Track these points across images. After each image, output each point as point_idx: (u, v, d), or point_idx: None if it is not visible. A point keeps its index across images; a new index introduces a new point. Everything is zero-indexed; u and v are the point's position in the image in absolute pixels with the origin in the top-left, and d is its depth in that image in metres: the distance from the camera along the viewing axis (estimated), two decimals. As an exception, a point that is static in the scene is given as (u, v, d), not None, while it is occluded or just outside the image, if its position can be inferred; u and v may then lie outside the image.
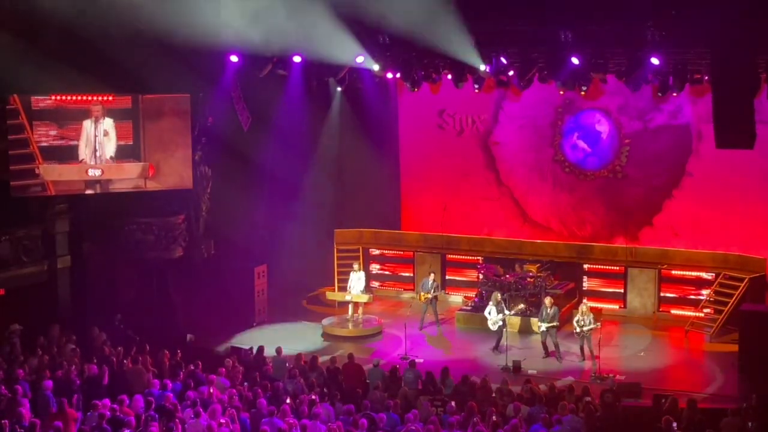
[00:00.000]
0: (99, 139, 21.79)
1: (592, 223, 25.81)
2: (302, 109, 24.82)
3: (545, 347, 21.20)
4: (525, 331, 22.76)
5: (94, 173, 21.93)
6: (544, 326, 21.12)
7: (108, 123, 21.80)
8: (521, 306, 22.27)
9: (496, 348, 21.26)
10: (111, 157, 21.97)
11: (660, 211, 24.96)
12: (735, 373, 19.87)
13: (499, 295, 21.89)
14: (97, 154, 21.81)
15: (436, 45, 20.83)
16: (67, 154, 21.56)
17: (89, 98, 21.62)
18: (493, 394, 17.26)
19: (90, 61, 20.42)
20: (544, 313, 21.27)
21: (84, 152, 21.71)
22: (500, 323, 21.25)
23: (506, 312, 21.38)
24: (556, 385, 17.68)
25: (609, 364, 20.21)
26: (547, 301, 21.41)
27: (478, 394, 17.01)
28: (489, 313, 21.40)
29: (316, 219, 25.81)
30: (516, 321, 22.58)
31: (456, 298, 25.41)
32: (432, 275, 23.52)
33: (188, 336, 21.44)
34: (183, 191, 22.97)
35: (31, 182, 21.32)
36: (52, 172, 21.51)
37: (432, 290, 22.97)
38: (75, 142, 21.63)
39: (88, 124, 21.67)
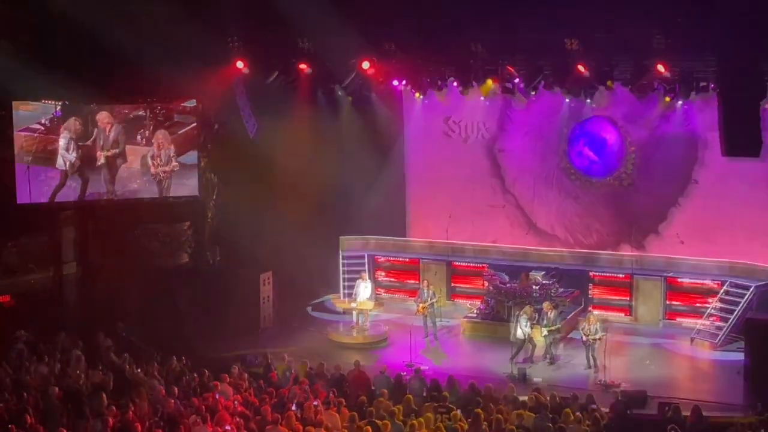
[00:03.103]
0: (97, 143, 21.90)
1: (598, 231, 25.77)
2: (308, 116, 24.84)
3: (549, 352, 21.18)
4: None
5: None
6: (545, 331, 21.10)
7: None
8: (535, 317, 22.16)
9: (531, 359, 21.09)
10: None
11: (666, 219, 24.91)
12: (741, 381, 19.84)
13: (530, 308, 21.73)
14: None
15: (442, 52, 20.92)
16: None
17: (93, 106, 21.69)
18: (500, 403, 17.24)
19: (98, 68, 20.51)
20: (545, 318, 21.26)
21: (65, 157, 21.73)
22: (526, 335, 21.12)
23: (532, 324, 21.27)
24: (559, 393, 17.59)
25: (615, 373, 20.16)
26: (545, 305, 21.39)
27: (485, 402, 16.98)
28: (519, 324, 21.27)
29: (321, 226, 25.78)
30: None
31: (462, 306, 25.32)
32: (425, 282, 23.46)
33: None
34: (189, 198, 23.01)
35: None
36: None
37: (429, 299, 22.92)
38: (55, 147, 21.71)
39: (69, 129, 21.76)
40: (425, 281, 23.76)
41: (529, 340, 21.16)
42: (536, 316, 21.49)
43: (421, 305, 22.92)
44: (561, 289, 23.58)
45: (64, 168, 21.77)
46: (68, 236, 22.22)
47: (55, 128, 21.63)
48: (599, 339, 20.47)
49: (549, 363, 21.07)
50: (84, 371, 18.16)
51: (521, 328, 21.16)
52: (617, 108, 24.82)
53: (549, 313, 21.14)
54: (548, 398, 17.16)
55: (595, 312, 21.54)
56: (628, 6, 18.77)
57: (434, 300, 22.94)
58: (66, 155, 21.68)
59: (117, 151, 22.28)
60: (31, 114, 21.43)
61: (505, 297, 22.92)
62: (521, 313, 21.54)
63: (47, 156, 21.62)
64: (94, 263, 22.68)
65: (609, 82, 20.30)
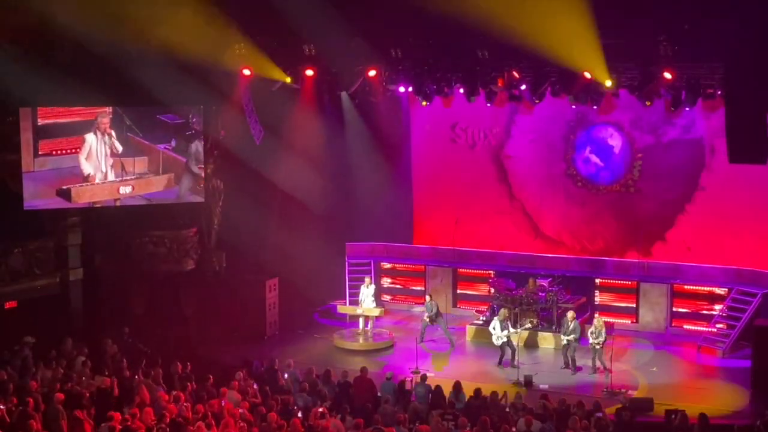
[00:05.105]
0: (106, 152, 21.86)
1: (604, 237, 25.74)
2: (314, 123, 24.85)
3: (565, 358, 21.18)
4: (531, 345, 22.76)
5: (125, 190, 22.02)
6: (565, 339, 21.10)
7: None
8: (534, 321, 22.23)
9: (500, 363, 21.35)
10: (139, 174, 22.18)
11: (673, 225, 24.88)
12: (748, 388, 19.78)
13: (506, 311, 21.84)
14: (104, 168, 21.84)
15: (448, 59, 20.89)
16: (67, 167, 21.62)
17: (97, 111, 21.67)
18: (507, 409, 17.23)
19: (102, 75, 20.56)
20: (565, 326, 21.29)
21: (87, 167, 21.72)
22: (504, 339, 21.27)
23: (510, 330, 21.37)
24: (566, 400, 17.54)
25: (621, 379, 20.13)
26: (569, 315, 21.43)
27: (491, 408, 16.95)
28: (493, 328, 21.43)
29: (327, 232, 25.80)
30: (523, 335, 22.53)
31: (467, 312, 25.30)
32: (428, 297, 23.47)
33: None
34: (195, 204, 23.05)
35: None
36: (84, 194, 21.64)
37: (432, 311, 22.94)
38: (75, 155, 21.65)
39: (91, 138, 21.73)
40: (428, 295, 23.71)
41: (508, 343, 21.31)
42: (509, 319, 21.71)
43: (427, 315, 22.96)
44: (567, 296, 23.57)
45: (84, 175, 21.75)
46: (74, 242, 22.24)
47: (75, 136, 21.66)
48: (602, 343, 20.48)
49: (562, 367, 21.13)
50: (89, 377, 18.18)
51: (496, 334, 21.24)
52: (623, 114, 24.84)
53: (570, 322, 21.15)
54: (555, 405, 17.13)
55: (598, 317, 21.53)
56: (635, 13, 18.75)
57: (432, 312, 22.92)
58: (85, 164, 21.69)
59: (135, 158, 22.31)
60: (51, 122, 21.39)
61: (512, 303, 22.90)
62: (496, 317, 21.66)
63: (66, 162, 21.60)
64: (101, 269, 22.71)
65: (609, 82, 20.24)
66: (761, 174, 22.33)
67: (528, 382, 20.09)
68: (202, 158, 22.66)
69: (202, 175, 22.76)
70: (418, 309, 25.46)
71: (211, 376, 18.02)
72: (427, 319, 22.98)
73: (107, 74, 20.67)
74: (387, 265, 26.76)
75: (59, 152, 21.42)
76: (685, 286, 23.82)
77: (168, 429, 15.09)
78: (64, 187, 21.46)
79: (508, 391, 18.73)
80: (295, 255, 24.79)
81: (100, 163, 21.81)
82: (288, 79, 22.39)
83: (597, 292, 24.57)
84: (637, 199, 25.23)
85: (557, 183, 26.10)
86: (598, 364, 20.72)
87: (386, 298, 26.42)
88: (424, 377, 18.63)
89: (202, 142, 22.57)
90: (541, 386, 19.86)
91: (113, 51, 20.22)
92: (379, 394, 18.14)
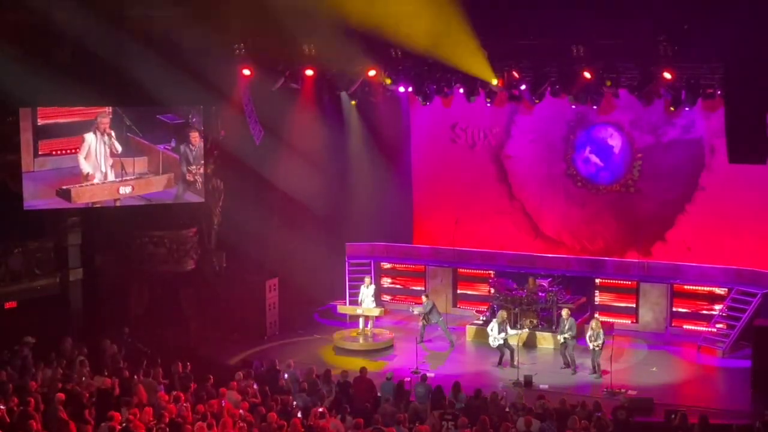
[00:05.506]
0: (106, 152, 21.86)
1: (604, 237, 25.73)
2: (314, 123, 24.85)
3: (564, 358, 21.18)
4: (530, 345, 22.74)
5: (125, 190, 22.03)
6: (562, 338, 21.11)
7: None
8: (533, 321, 22.23)
9: (500, 363, 21.37)
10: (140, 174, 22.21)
11: (673, 225, 24.88)
12: (748, 389, 19.77)
13: (505, 314, 21.84)
14: (103, 168, 21.85)
15: (448, 59, 20.89)
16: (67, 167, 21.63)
17: (97, 111, 21.68)
18: (507, 409, 17.22)
19: (102, 75, 20.57)
20: (561, 324, 21.29)
21: (86, 167, 21.73)
22: (500, 341, 21.28)
23: (509, 331, 21.37)
24: (566, 400, 17.54)
25: (621, 379, 20.11)
26: (564, 312, 21.45)
27: (491, 408, 16.95)
28: (491, 330, 21.42)
29: (327, 232, 25.81)
30: (522, 335, 22.49)
31: (467, 312, 25.30)
32: (425, 297, 23.44)
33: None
34: (195, 204, 23.05)
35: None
36: (84, 194, 21.65)
37: (426, 309, 22.93)
38: (75, 155, 21.67)
39: (91, 138, 21.74)
40: (424, 295, 23.73)
41: (506, 345, 21.32)
42: (507, 321, 21.71)
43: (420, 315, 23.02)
44: (567, 296, 23.55)
45: (84, 175, 21.75)
46: (74, 242, 22.26)
47: (75, 136, 21.66)
48: (600, 344, 20.49)
49: (562, 367, 21.13)
50: (89, 377, 18.18)
51: (493, 335, 21.27)
52: (623, 114, 24.84)
53: (566, 320, 21.17)
54: (554, 405, 17.13)
55: (597, 317, 21.55)
56: (635, 12, 18.76)
57: (425, 311, 22.91)
58: (84, 164, 21.71)
59: (135, 158, 22.32)
60: (51, 122, 21.38)
61: (512, 303, 22.90)
62: (495, 319, 21.69)
63: (66, 162, 21.59)
64: (101, 269, 22.72)
65: (608, 82, 20.26)
66: (761, 174, 22.33)
67: (528, 382, 20.09)
68: (191, 160, 22.61)
69: (189, 178, 22.68)
70: (418, 309, 25.44)
71: (211, 376, 18.01)
72: (422, 319, 22.94)
73: (107, 74, 20.69)
74: (387, 265, 26.74)
75: (59, 152, 21.43)
76: (685, 286, 23.81)
77: (167, 429, 15.09)
78: (64, 187, 21.47)
79: (508, 391, 18.72)
80: (295, 255, 24.80)
81: (99, 163, 21.82)
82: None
83: (597, 292, 24.55)
84: (637, 199, 25.22)
85: (557, 183, 26.10)
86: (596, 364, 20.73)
87: (386, 298, 26.41)
88: (424, 377, 18.63)
89: (191, 145, 22.53)
90: (541, 386, 19.86)
91: (113, 51, 20.24)
92: (379, 394, 18.14)
